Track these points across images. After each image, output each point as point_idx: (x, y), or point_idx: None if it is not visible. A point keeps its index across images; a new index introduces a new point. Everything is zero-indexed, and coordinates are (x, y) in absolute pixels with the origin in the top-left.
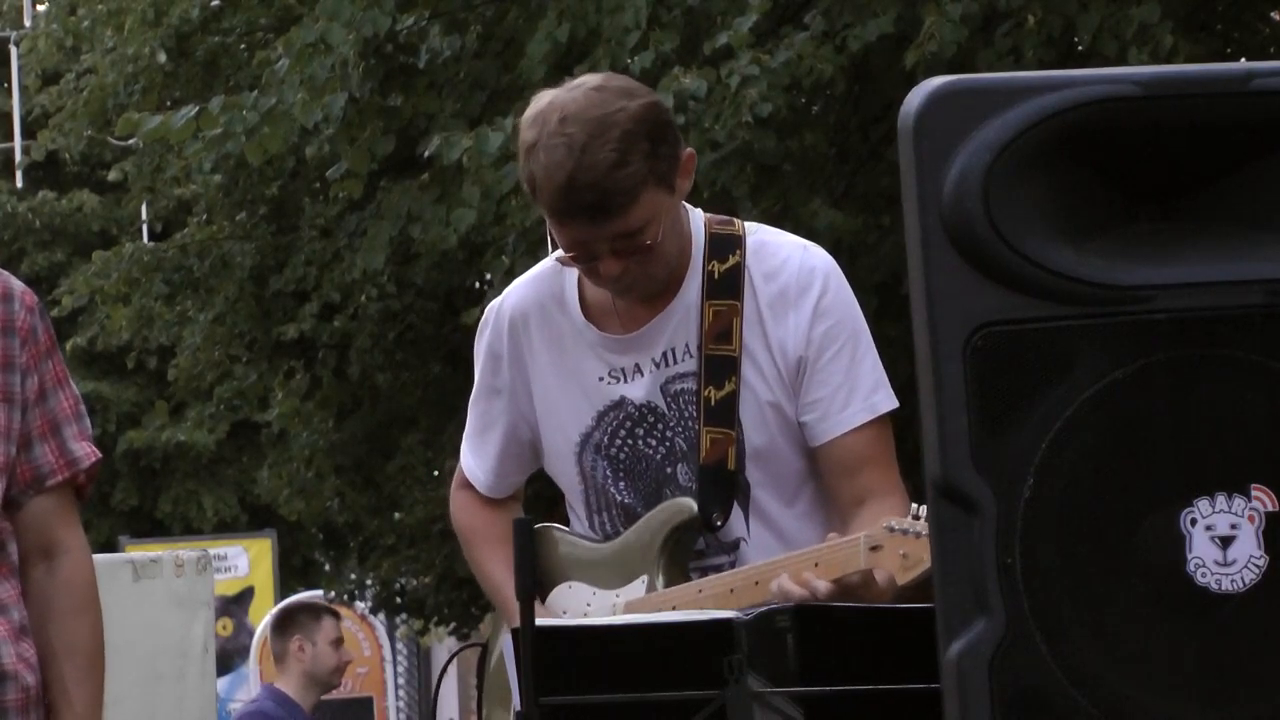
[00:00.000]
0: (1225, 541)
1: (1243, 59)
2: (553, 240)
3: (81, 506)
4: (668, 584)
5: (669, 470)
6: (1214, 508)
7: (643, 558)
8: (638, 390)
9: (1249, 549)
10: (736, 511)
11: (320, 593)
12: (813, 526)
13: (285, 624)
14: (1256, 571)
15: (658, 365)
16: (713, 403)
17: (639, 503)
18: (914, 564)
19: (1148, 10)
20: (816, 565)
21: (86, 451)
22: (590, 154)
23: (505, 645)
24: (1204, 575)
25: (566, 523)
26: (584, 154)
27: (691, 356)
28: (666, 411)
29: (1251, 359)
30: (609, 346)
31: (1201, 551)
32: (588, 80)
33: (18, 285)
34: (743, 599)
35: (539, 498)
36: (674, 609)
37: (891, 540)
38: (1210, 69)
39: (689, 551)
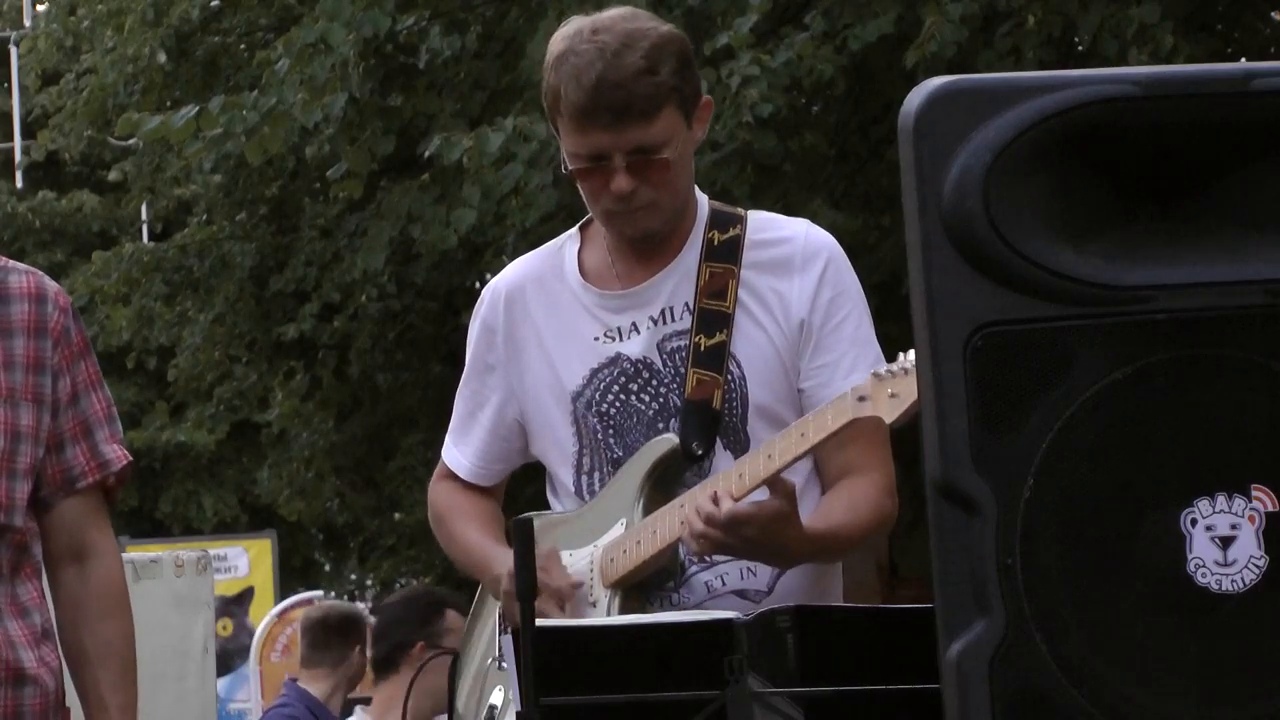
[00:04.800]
0: (1225, 542)
1: (1243, 59)
2: (565, 165)
3: (110, 509)
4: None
5: (660, 426)
6: (1214, 508)
7: (622, 502)
8: (634, 347)
9: (1249, 549)
10: (728, 459)
11: (320, 592)
12: (810, 491)
13: (350, 630)
14: (1257, 572)
15: (655, 322)
16: (702, 349)
17: (628, 457)
18: (904, 399)
19: (1148, 10)
20: (804, 435)
21: (118, 454)
22: (621, 58)
23: (505, 646)
24: (1204, 575)
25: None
26: (615, 58)
27: (690, 313)
28: (662, 368)
29: (1251, 359)
30: (606, 305)
31: (1202, 552)
32: (617, 8)
33: (51, 286)
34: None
35: (540, 496)
36: (654, 532)
37: (879, 385)
38: (1210, 69)
39: (671, 488)
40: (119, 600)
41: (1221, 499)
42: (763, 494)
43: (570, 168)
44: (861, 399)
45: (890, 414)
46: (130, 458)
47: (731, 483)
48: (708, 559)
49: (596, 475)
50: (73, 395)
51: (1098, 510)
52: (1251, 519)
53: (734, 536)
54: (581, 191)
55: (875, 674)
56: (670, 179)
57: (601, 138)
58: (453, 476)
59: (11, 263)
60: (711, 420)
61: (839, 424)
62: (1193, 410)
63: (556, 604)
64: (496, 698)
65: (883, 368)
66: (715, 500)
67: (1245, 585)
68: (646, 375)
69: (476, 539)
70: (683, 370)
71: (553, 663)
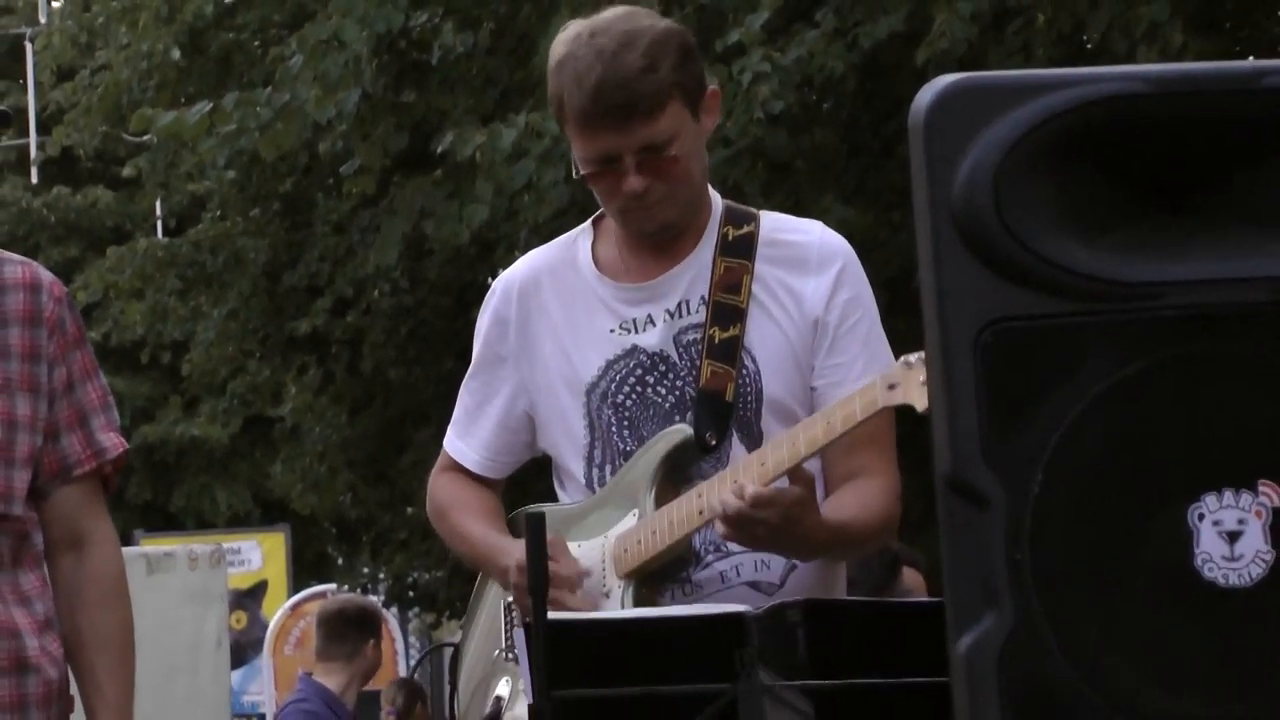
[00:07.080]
0: (1233, 536)
1: (1252, 57)
2: (575, 169)
3: (107, 497)
4: (659, 508)
5: (677, 418)
6: (1222, 503)
7: (633, 492)
8: (650, 339)
9: (1256, 544)
10: (741, 450)
11: (333, 586)
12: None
13: (366, 623)
14: (1264, 566)
15: (671, 315)
16: (716, 341)
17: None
18: None
19: (1157, 8)
20: (830, 424)
21: (114, 442)
22: (620, 59)
23: (518, 640)
24: (1211, 570)
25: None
26: (614, 59)
27: (705, 306)
28: (678, 361)
29: (1260, 356)
30: (621, 298)
31: (1209, 546)
32: (615, 8)
33: (46, 276)
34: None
35: (552, 491)
36: (670, 523)
37: (909, 373)
38: (1220, 67)
39: (683, 478)
40: (117, 587)
41: (1229, 494)
42: (783, 485)
43: (582, 172)
44: (891, 387)
45: (922, 400)
46: (126, 445)
47: (754, 470)
48: (724, 549)
49: (608, 468)
50: (68, 384)
51: (1106, 505)
52: (1259, 514)
53: (759, 516)
54: (595, 194)
55: (885, 667)
56: (682, 172)
57: (609, 139)
58: (454, 469)
59: (6, 254)
60: (724, 411)
61: (868, 414)
62: (1201, 406)
63: (568, 590)
64: (503, 689)
65: (911, 356)
66: (740, 486)
67: (1252, 579)
68: (663, 368)
69: (480, 531)
70: (698, 363)
71: (564, 656)
